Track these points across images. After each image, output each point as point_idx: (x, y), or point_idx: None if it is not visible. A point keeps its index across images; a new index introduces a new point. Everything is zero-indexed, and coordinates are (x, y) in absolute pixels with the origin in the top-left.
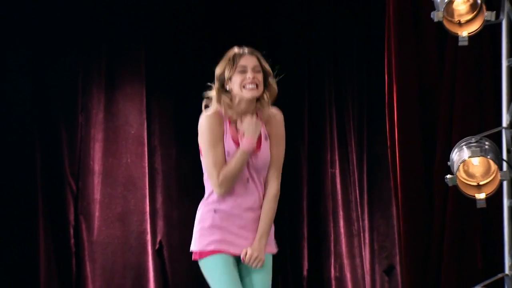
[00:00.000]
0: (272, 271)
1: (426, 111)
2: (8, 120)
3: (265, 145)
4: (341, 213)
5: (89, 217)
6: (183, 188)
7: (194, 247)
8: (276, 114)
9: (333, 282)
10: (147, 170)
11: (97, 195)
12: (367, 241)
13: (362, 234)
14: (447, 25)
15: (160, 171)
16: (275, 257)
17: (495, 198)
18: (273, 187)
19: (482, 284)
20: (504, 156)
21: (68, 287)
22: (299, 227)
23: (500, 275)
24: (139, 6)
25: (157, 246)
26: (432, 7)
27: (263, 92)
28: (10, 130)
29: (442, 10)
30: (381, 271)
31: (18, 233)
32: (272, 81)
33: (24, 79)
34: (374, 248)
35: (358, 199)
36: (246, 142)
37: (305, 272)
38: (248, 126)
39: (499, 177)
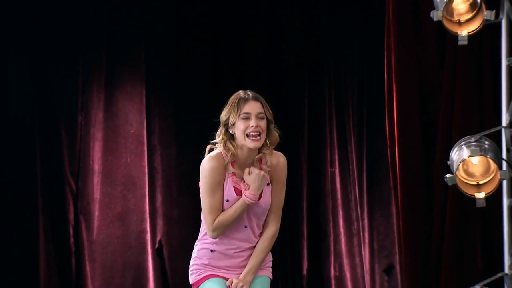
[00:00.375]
0: (272, 270)
1: (426, 111)
2: (8, 119)
3: (267, 191)
4: (340, 212)
5: (89, 217)
6: (182, 187)
7: (190, 280)
8: (279, 159)
9: (333, 282)
10: (146, 170)
11: (96, 194)
12: (366, 240)
13: (361, 234)
14: (447, 24)
15: (159, 170)
16: (274, 256)
17: (494, 198)
18: (272, 230)
19: (481, 283)
20: (504, 155)
21: (67, 287)
22: (299, 226)
23: (499, 274)
24: (140, 5)
25: (156, 246)
26: (432, 7)
27: (266, 139)
28: (10, 130)
29: (442, 9)
30: (380, 270)
31: (18, 232)
32: (274, 128)
33: (24, 78)
34: (374, 248)
35: (357, 199)
36: (250, 196)
37: (304, 272)
38: (254, 180)
39: (498, 177)
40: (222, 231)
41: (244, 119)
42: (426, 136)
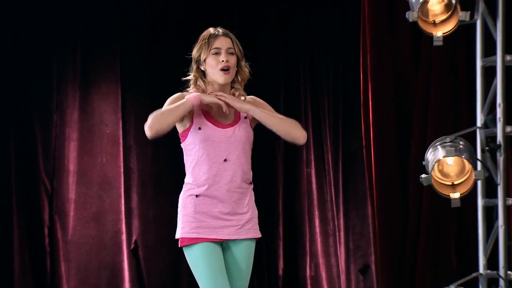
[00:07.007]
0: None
1: (401, 111)
2: None
3: (243, 123)
4: (316, 212)
5: (64, 217)
6: (158, 187)
7: (177, 234)
8: (255, 97)
9: (309, 282)
10: (122, 170)
11: (72, 194)
12: (342, 240)
13: (337, 234)
14: (422, 25)
15: (135, 171)
16: None
17: (469, 198)
18: None
19: (456, 283)
20: (479, 155)
21: (42, 287)
22: (275, 226)
23: (474, 274)
24: (115, 4)
25: (132, 246)
26: (407, 7)
27: (236, 75)
28: None
29: (417, 10)
30: (356, 270)
31: None
32: (244, 64)
33: None
34: (350, 248)
35: (333, 199)
36: (192, 96)
37: (280, 272)
38: (208, 95)
39: (473, 177)
40: (156, 124)
41: (214, 54)
42: (401, 137)
